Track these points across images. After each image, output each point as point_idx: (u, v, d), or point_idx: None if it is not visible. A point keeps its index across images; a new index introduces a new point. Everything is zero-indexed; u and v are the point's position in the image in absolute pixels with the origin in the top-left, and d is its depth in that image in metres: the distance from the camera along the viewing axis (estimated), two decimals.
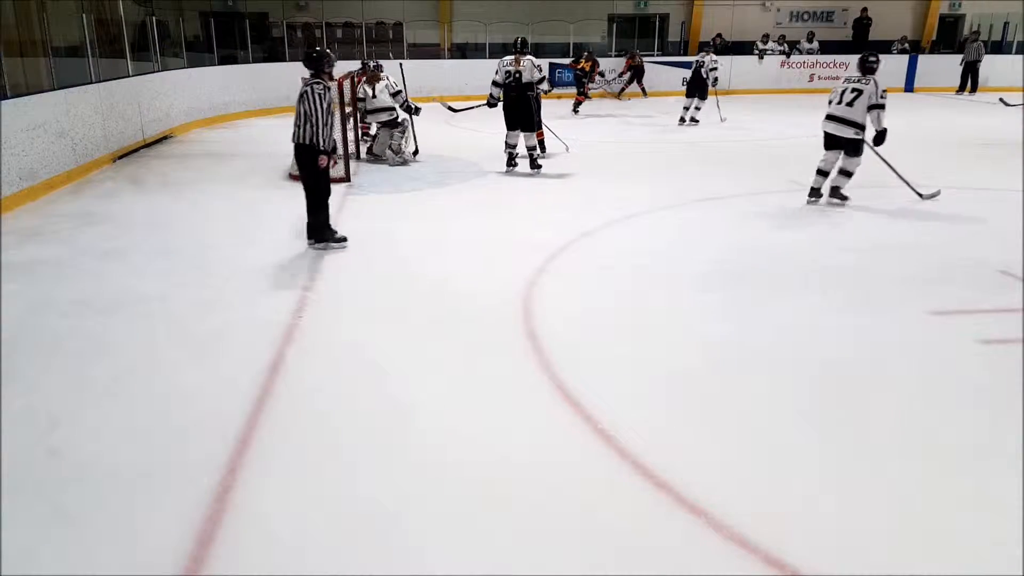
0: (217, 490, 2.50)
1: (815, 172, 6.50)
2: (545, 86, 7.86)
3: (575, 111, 13.43)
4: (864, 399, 3.19)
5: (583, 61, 14.06)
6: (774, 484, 2.59)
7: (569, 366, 3.43)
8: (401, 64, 10.07)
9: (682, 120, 11.93)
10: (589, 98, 14.31)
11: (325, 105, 4.89)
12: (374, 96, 8.24)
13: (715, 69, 11.53)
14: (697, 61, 11.76)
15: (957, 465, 2.71)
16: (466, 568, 2.18)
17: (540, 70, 7.76)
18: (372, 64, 8.43)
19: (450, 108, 9.78)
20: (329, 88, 5.01)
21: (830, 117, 6.34)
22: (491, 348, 3.68)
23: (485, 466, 2.69)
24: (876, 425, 2.98)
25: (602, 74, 15.32)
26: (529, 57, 7.72)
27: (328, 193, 5.14)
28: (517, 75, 7.69)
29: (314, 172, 5.01)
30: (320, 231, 5.18)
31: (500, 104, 8.01)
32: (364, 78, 8.39)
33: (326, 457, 2.75)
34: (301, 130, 4.90)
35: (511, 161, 8.13)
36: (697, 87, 11.74)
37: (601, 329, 3.93)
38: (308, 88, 4.88)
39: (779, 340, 3.76)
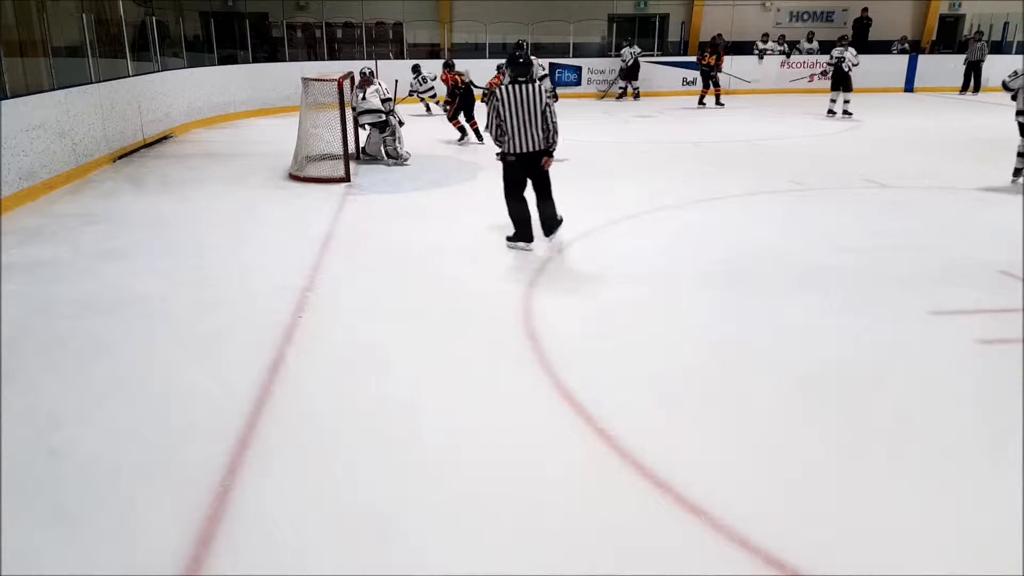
0: (217, 490, 2.51)
1: (1016, 155, 7.16)
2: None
3: (701, 103, 14.12)
4: (864, 399, 3.19)
5: (708, 55, 13.92)
6: (774, 484, 2.59)
7: (569, 366, 3.43)
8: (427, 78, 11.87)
9: (831, 112, 12.59)
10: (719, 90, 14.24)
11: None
12: (363, 99, 8.37)
13: (857, 64, 12.31)
14: (836, 56, 12.38)
15: (957, 465, 2.71)
16: (466, 568, 2.18)
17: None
18: (368, 71, 8.62)
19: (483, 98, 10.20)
20: None
21: None
22: (491, 348, 3.68)
23: (485, 465, 2.69)
24: (876, 425, 2.98)
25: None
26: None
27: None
28: None
29: (545, 172, 5.16)
30: (551, 224, 5.26)
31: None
32: (357, 84, 8.56)
33: (326, 457, 2.75)
34: (549, 137, 5.00)
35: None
36: (841, 81, 12.37)
37: (601, 329, 3.93)
38: (550, 100, 5.04)
39: (779, 340, 3.76)
